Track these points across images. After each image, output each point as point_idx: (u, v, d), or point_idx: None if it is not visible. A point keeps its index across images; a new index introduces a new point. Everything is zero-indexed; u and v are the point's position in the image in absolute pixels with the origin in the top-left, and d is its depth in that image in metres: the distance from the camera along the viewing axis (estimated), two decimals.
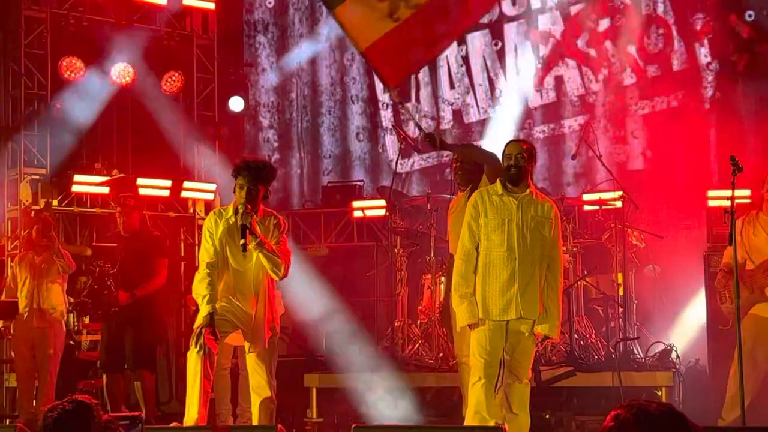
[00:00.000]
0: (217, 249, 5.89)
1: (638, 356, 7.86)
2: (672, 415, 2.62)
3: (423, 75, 12.34)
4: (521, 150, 5.77)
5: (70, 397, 3.67)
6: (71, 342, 9.04)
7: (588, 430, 7.42)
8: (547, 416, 7.51)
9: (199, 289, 5.85)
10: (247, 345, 5.96)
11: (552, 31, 11.76)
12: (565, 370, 7.49)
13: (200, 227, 12.04)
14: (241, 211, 5.80)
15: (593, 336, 8.23)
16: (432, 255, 8.38)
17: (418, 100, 12.45)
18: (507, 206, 5.70)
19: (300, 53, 12.95)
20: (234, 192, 5.93)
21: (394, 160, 11.11)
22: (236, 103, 11.72)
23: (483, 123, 12.09)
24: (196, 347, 5.69)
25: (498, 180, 5.80)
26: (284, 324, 7.68)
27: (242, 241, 5.71)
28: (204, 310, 5.80)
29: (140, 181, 10.23)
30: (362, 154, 12.78)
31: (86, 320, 9.41)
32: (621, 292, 8.33)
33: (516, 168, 5.73)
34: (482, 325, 5.65)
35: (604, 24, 11.46)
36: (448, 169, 11.99)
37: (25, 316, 8.32)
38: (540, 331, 5.66)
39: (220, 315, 5.82)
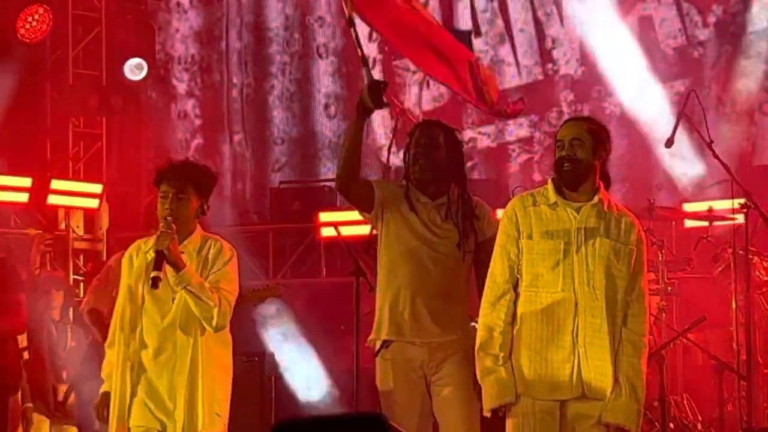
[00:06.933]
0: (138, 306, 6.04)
1: None
2: None
3: (431, 11, 12.37)
4: (581, 132, 5.73)
5: None
6: None
7: None
8: None
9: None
10: None
11: None
12: None
13: (77, 252, 12.02)
14: (160, 230, 5.91)
15: (700, 426, 8.29)
16: None
17: None
18: (563, 222, 5.70)
19: None
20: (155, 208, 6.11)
21: (386, 147, 11.16)
22: (134, 69, 11.75)
23: (526, 90, 12.14)
24: None
25: (550, 180, 5.79)
26: None
27: (154, 274, 5.79)
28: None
29: None
30: (334, 137, 12.81)
31: None
32: (744, 357, 8.28)
33: (571, 162, 5.70)
34: (520, 407, 5.67)
35: None
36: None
37: None
38: (611, 419, 5.66)
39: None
